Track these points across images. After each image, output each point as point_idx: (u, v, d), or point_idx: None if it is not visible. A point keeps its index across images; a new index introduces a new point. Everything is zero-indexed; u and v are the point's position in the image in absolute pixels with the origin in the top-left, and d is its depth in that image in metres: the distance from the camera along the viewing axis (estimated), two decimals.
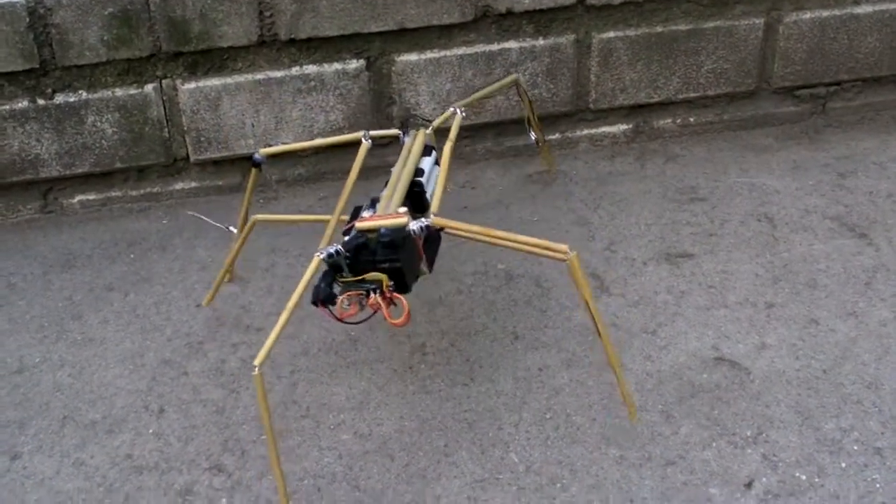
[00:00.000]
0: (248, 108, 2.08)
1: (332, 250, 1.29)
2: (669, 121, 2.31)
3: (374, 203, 1.40)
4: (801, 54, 2.27)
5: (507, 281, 1.81)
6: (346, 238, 1.33)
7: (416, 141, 1.54)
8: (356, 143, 1.58)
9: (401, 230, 1.30)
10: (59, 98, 2.01)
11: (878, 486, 1.35)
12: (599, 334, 1.35)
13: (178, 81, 2.04)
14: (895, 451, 1.40)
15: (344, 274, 1.31)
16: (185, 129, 2.08)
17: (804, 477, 1.37)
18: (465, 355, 1.63)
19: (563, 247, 1.26)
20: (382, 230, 1.30)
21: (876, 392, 1.51)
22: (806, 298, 1.73)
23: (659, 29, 2.18)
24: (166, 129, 2.08)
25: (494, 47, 2.13)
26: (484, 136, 2.24)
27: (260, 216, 1.57)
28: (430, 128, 1.60)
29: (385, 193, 1.41)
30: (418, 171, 1.47)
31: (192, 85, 2.05)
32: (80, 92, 2.01)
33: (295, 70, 2.07)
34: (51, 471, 1.45)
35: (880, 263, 1.81)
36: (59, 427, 1.53)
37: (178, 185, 2.16)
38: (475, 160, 2.25)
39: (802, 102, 2.35)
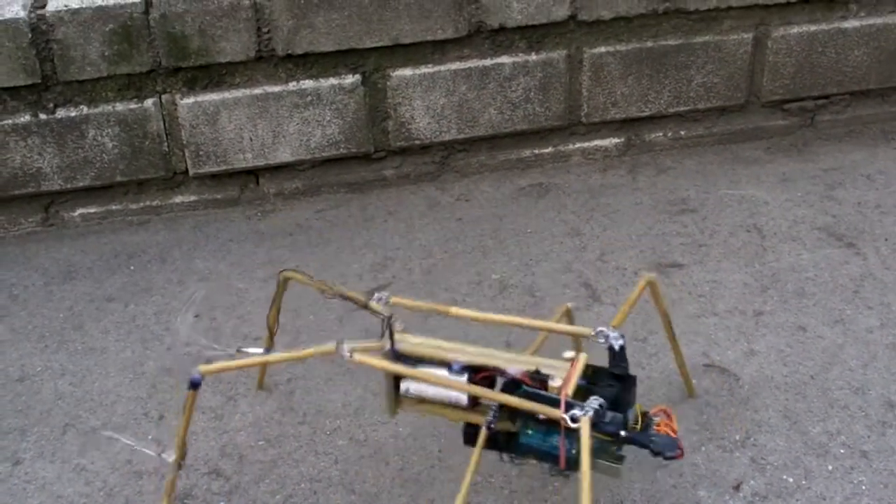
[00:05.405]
0: (246, 122, 2.11)
1: (595, 405, 1.12)
2: (660, 134, 2.34)
3: (538, 377, 1.21)
4: (790, 68, 2.31)
5: (501, 290, 1.84)
6: (573, 392, 1.15)
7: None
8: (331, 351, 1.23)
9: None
10: (61, 112, 2.04)
11: (863, 488, 1.37)
12: None
13: (178, 96, 2.08)
14: (881, 454, 1.43)
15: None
16: (185, 143, 2.11)
17: (791, 479, 1.39)
18: None
19: None
20: (617, 344, 1.20)
21: (862, 397, 1.54)
22: (794, 306, 1.76)
23: (649, 44, 2.22)
24: (166, 143, 2.11)
25: (488, 62, 2.17)
26: (478, 150, 2.27)
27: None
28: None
29: (519, 359, 1.26)
30: None
31: (191, 100, 2.08)
32: (80, 106, 2.05)
33: (292, 85, 2.11)
34: (52, 476, 1.47)
35: (868, 272, 1.84)
36: (61, 434, 1.55)
37: (178, 199, 2.19)
38: (469, 173, 2.28)
39: (791, 116, 2.38)
